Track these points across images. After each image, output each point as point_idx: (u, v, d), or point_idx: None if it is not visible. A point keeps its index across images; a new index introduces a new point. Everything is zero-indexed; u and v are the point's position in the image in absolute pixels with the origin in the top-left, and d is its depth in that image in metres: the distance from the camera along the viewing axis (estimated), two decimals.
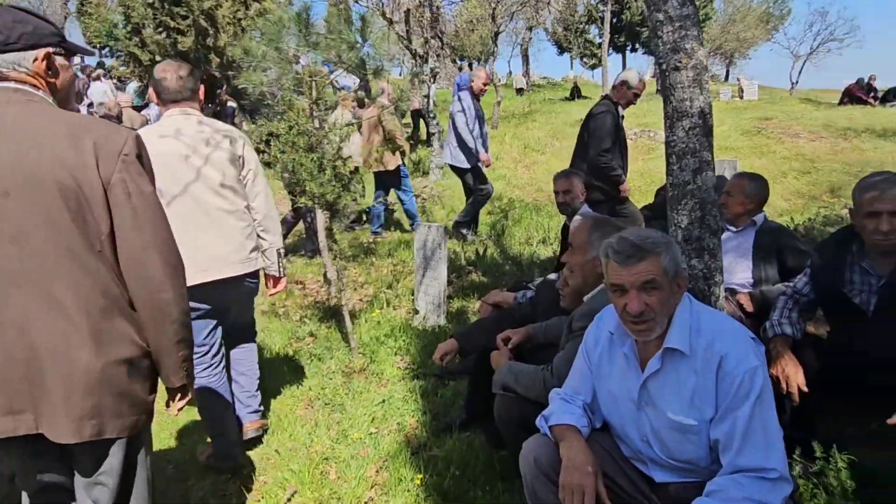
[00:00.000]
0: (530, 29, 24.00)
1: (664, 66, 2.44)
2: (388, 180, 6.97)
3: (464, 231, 6.59)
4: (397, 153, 6.71)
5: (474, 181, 6.48)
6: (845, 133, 11.30)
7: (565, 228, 4.31)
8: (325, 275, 5.27)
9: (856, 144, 10.62)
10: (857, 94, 17.31)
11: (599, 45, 32.67)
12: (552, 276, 3.55)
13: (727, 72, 42.24)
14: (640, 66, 47.20)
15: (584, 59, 40.57)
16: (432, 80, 11.30)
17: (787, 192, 8.81)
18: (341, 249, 5.03)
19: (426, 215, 7.95)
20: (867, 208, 2.17)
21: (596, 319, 1.98)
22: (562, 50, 39.85)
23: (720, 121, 13.81)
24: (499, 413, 2.34)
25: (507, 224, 7.08)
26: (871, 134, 11.07)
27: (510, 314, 3.00)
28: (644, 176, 10.01)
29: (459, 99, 6.40)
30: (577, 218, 3.45)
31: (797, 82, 31.97)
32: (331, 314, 4.83)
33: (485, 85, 6.55)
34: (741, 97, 20.05)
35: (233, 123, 12.87)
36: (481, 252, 5.44)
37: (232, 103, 11.61)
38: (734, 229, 3.17)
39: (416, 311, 4.64)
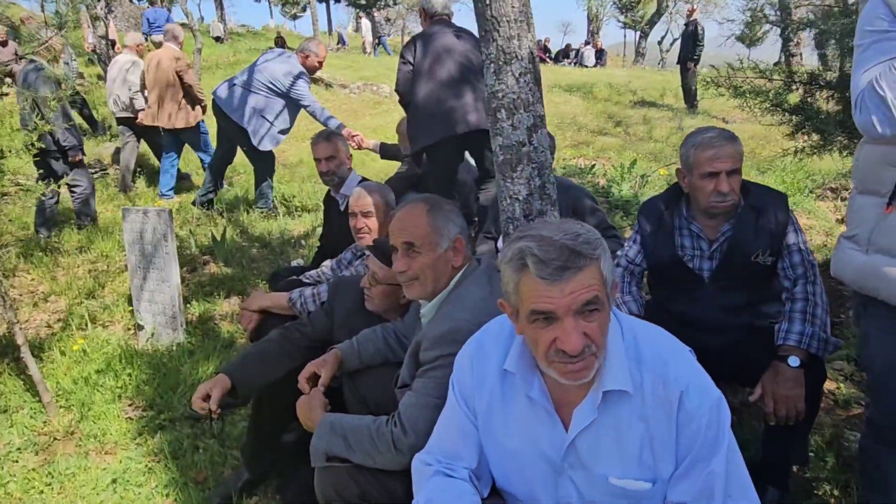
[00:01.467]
0: None
1: None
2: (185, 138, 6.10)
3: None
4: (197, 108, 6.01)
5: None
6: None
7: (329, 199, 3.57)
8: None
9: (549, 98, 11.90)
10: (538, 54, 19.71)
11: None
12: (346, 273, 2.80)
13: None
14: (340, 20, 46.78)
15: (286, 8, 38.47)
16: (108, 14, 8.97)
17: None
18: None
19: (135, 203, 6.24)
20: (705, 168, 1.97)
21: (472, 347, 1.37)
22: None
23: None
24: (326, 494, 1.59)
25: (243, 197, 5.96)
26: (559, 89, 12.55)
27: (299, 331, 2.20)
28: (379, 132, 9.62)
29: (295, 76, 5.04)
30: (358, 190, 2.75)
31: None
32: None
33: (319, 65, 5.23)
34: None
35: None
36: (218, 235, 4.33)
37: None
38: None
39: (140, 327, 3.42)
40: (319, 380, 1.85)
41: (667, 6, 18.98)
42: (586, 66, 18.31)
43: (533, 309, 1.09)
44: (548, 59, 19.94)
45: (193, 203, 5.52)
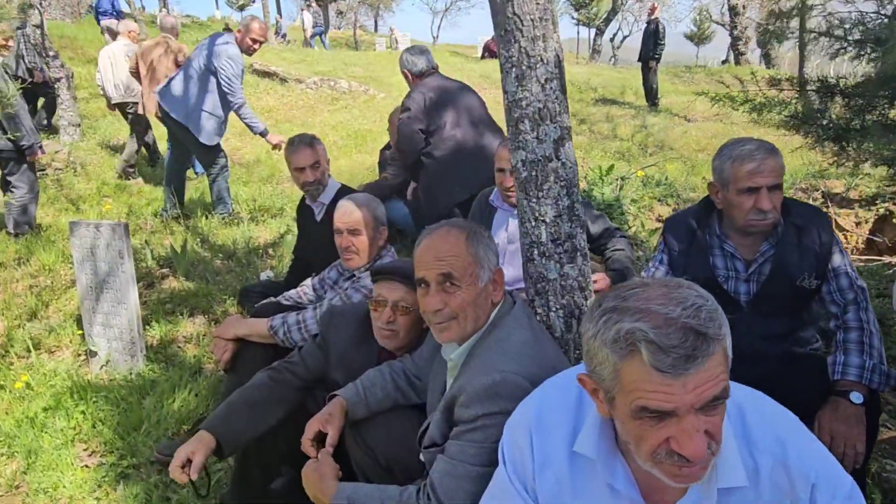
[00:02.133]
0: None
1: None
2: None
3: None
4: None
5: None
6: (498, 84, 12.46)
7: (303, 207, 3.28)
8: None
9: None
10: (494, 49, 19.59)
11: None
12: (331, 295, 2.51)
13: (375, 23, 44.13)
14: (289, 10, 45.58)
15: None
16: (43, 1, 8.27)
17: None
18: None
19: (79, 206, 5.71)
20: (744, 183, 1.81)
21: (529, 419, 1.14)
22: None
23: (393, 71, 13.91)
24: None
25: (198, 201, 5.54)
26: None
27: (289, 371, 1.92)
28: (339, 129, 9.26)
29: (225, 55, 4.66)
30: (344, 204, 2.47)
31: (438, 37, 35.27)
32: None
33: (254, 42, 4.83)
34: (395, 48, 20.86)
35: None
36: (177, 245, 3.95)
37: None
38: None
39: (93, 354, 3.05)
40: (327, 439, 1.59)
41: (622, 4, 19.15)
42: None
43: (643, 406, 0.87)
44: None
45: (156, 215, 5.09)
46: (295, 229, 4.63)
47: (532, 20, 1.65)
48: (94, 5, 11.22)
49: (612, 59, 27.39)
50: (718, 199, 1.93)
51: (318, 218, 3.13)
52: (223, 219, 4.91)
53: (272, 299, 2.75)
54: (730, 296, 1.92)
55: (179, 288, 3.70)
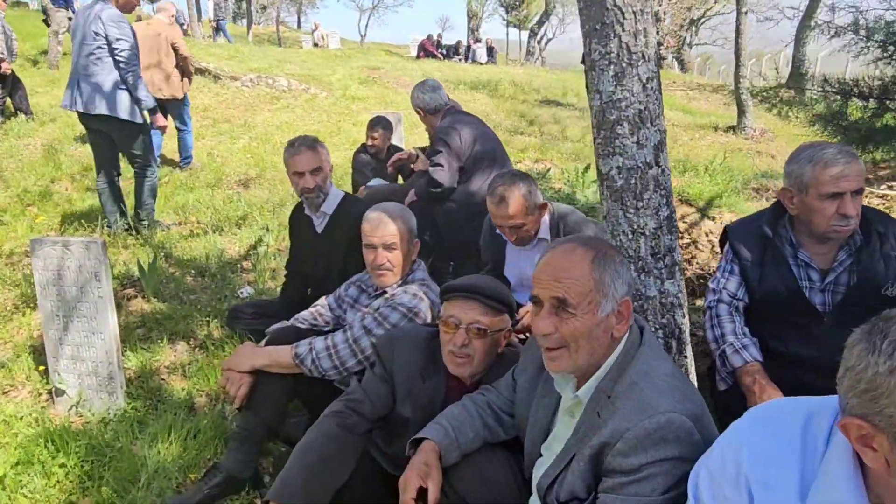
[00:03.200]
0: None
1: None
2: (171, 109, 6.24)
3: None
4: (185, 80, 6.26)
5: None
6: (445, 84, 12.33)
7: (299, 216, 2.98)
8: None
9: (456, 96, 11.66)
10: (430, 49, 19.47)
11: None
12: (351, 314, 2.23)
13: (298, 19, 42.91)
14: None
15: None
16: None
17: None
18: None
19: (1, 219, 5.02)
20: (828, 188, 1.73)
21: (745, 463, 0.98)
22: None
23: (330, 69, 13.46)
24: None
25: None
26: (465, 86, 12.36)
27: (356, 413, 1.66)
28: (284, 130, 8.79)
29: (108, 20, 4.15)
30: (376, 216, 2.21)
31: (365, 35, 34.74)
32: None
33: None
34: (316, 46, 20.23)
35: None
36: (144, 261, 3.50)
37: None
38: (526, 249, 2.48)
39: (60, 393, 2.63)
40: (429, 496, 1.36)
41: (553, 7, 19.56)
42: (479, 63, 18.36)
43: None
44: (439, 56, 19.75)
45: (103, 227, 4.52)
46: (270, 240, 4.30)
47: (634, 13, 1.50)
48: None
49: (540, 61, 28.01)
50: (794, 205, 1.85)
51: (320, 229, 2.85)
52: (155, 227, 4.46)
53: (286, 323, 2.45)
54: (814, 308, 1.85)
55: (151, 310, 3.28)
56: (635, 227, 1.58)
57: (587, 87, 1.64)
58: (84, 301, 2.54)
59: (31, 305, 3.36)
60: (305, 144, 2.72)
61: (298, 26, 41.27)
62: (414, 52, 21.75)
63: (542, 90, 12.79)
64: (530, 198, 2.20)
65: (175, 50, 5.98)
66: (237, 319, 2.98)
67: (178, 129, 6.62)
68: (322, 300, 2.52)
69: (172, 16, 6.37)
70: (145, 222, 4.52)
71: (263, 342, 2.29)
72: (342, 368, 2.11)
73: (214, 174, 6.86)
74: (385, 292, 2.25)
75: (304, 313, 2.50)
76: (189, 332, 3.11)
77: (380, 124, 4.53)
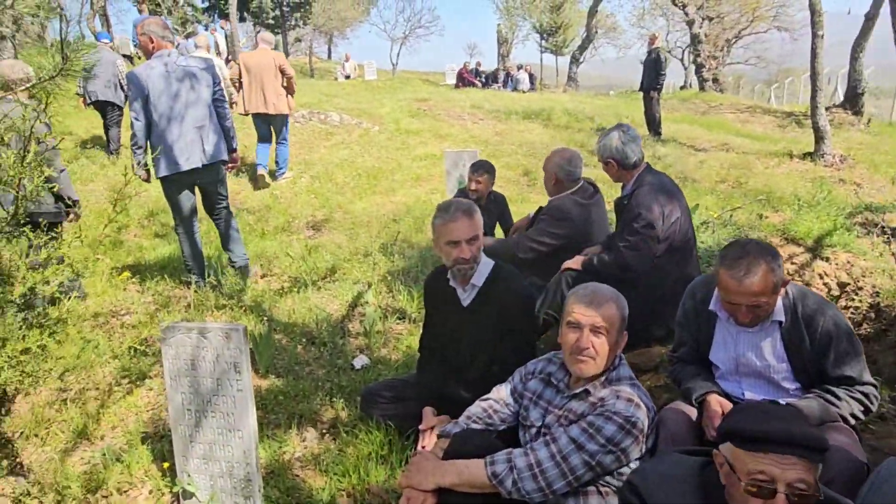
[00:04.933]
0: None
1: None
2: (278, 123, 7.43)
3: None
4: (289, 96, 7.37)
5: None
6: (497, 114, 12.12)
7: (440, 286, 2.66)
8: None
9: (511, 126, 11.42)
10: (468, 77, 19.38)
11: (204, 11, 29.14)
12: (613, 430, 1.83)
13: (329, 50, 43.59)
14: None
15: (180, 27, 35.90)
16: None
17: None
18: None
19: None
20: None
21: None
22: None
23: (378, 102, 13.36)
24: None
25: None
26: (516, 116, 12.11)
27: None
28: (344, 168, 8.59)
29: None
30: (592, 293, 1.86)
31: (397, 63, 34.98)
32: None
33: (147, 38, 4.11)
34: (348, 77, 20.20)
35: None
36: (256, 330, 3.21)
37: None
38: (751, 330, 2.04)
39: (188, 496, 2.32)
40: None
41: (595, 33, 19.36)
42: (522, 91, 18.17)
43: None
44: (477, 83, 19.64)
45: (189, 270, 4.27)
46: (370, 297, 4.00)
47: None
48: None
49: (574, 85, 27.79)
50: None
51: (466, 303, 2.53)
52: (275, 284, 4.21)
53: (462, 423, 2.11)
54: None
55: (268, 387, 2.98)
56: None
57: None
58: (221, 395, 2.25)
59: (136, 381, 3.10)
60: (461, 210, 2.41)
61: (329, 57, 41.89)
62: (450, 81, 21.73)
63: (596, 117, 12.47)
64: (776, 273, 1.85)
65: (282, 72, 7.09)
66: (373, 404, 2.66)
67: (279, 142, 7.62)
68: (497, 392, 2.18)
69: (273, 45, 7.51)
70: (239, 264, 4.33)
71: (437, 445, 1.96)
72: (548, 491, 1.77)
73: (283, 216, 6.67)
74: (588, 393, 1.90)
75: (475, 409, 2.16)
76: (314, 415, 2.80)
77: (484, 168, 4.24)
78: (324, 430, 2.72)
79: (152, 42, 3.90)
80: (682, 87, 25.74)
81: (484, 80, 20.45)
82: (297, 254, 5.12)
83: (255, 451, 2.27)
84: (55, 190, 3.11)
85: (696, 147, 10.01)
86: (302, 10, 30.54)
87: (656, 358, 3.00)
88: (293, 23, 30.55)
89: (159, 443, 2.67)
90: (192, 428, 2.32)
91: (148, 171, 4.10)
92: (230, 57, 17.84)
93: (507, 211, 4.54)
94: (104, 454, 2.58)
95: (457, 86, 19.21)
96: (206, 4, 29.06)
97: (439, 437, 2.14)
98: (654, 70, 10.42)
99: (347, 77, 20.09)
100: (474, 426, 2.09)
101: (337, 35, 43.42)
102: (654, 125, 10.72)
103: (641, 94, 10.84)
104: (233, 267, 4.43)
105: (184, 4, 30.85)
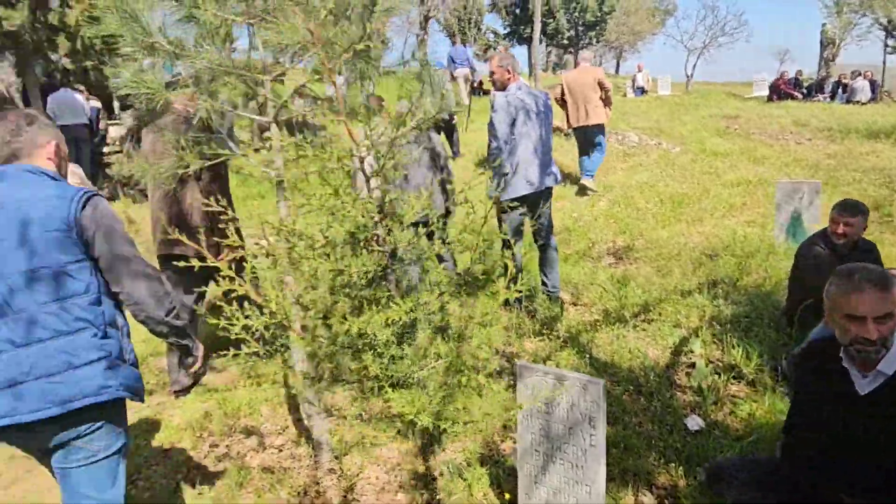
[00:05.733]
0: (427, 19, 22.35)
1: None
2: (594, 134, 7.88)
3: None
4: (607, 108, 7.85)
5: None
6: (829, 133, 10.32)
7: (826, 364, 2.23)
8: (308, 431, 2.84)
9: (849, 148, 9.61)
10: (786, 89, 17.02)
11: (505, 36, 31.39)
12: None
13: (617, 65, 42.92)
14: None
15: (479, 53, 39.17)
16: None
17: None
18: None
19: None
20: None
21: None
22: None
23: (679, 120, 12.56)
24: None
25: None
26: (857, 135, 10.16)
27: None
28: (645, 192, 8.22)
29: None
30: None
31: (692, 75, 32.68)
32: None
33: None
34: (640, 93, 19.11)
35: (96, 129, 9.52)
36: (581, 365, 3.21)
37: (95, 103, 8.49)
38: None
39: None
40: None
41: None
42: (860, 102, 15.21)
43: None
44: (799, 95, 17.10)
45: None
46: (697, 347, 3.66)
47: None
48: (450, 55, 14.01)
49: None
50: None
51: (864, 391, 2.05)
52: (586, 314, 4.16)
53: None
54: None
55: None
56: None
57: None
58: (571, 444, 2.23)
59: None
60: (871, 280, 1.97)
61: (617, 72, 41.18)
62: (759, 93, 19.40)
63: None
64: None
65: (600, 85, 7.59)
66: (724, 483, 2.36)
67: (595, 148, 8.03)
68: None
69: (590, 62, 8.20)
70: (555, 295, 4.45)
71: None
72: None
73: (583, 240, 6.64)
74: None
75: None
76: (647, 475, 2.62)
77: (859, 209, 3.50)
78: (662, 497, 2.52)
79: (509, 73, 4.27)
80: None
81: (805, 90, 17.70)
82: (603, 283, 5.01)
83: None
84: None
85: None
86: (597, 27, 30.69)
87: None
88: (587, 41, 30.86)
89: (494, 467, 2.78)
90: (538, 469, 2.35)
91: None
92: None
93: (881, 265, 3.71)
94: (447, 467, 2.81)
95: (770, 98, 17.00)
96: (507, 31, 31.22)
97: None
98: None
99: (642, 90, 19.27)
100: None
101: (627, 49, 42.53)
102: None
103: None
104: (545, 293, 4.52)
105: (485, 31, 33.70)
